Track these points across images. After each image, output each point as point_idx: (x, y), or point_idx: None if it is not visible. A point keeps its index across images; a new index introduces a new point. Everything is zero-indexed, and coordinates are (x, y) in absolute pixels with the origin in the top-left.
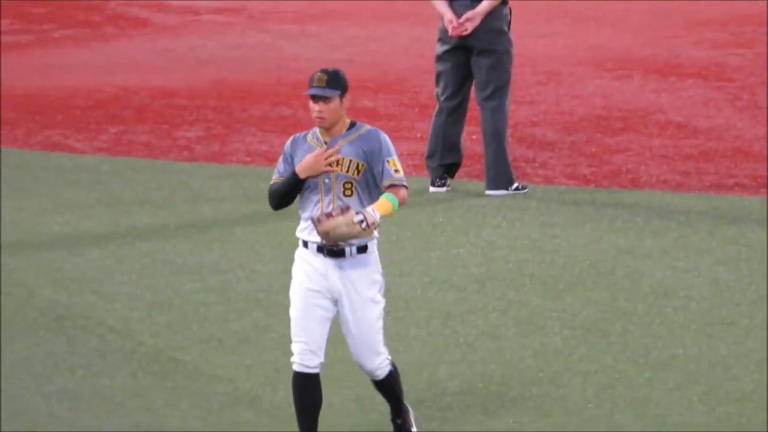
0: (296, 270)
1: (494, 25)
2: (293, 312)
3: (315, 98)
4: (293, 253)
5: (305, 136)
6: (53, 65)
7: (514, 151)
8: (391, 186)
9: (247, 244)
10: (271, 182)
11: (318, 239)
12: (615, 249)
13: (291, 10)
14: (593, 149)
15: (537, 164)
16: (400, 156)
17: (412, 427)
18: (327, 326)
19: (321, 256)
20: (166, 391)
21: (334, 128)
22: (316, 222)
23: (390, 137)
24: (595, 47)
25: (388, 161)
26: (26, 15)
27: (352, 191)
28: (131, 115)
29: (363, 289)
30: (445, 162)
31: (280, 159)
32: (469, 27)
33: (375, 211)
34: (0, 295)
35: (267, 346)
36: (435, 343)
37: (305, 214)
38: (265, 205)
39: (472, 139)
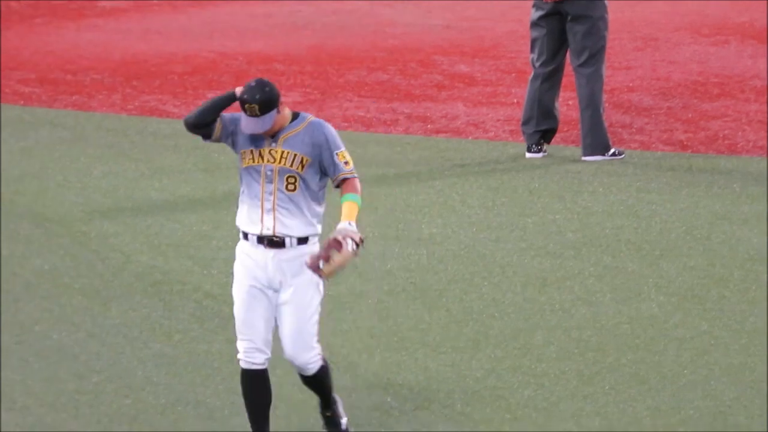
0: (237, 266)
1: None
2: (236, 310)
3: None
4: (389, 218)
5: None
6: (151, 30)
7: (610, 116)
8: (344, 180)
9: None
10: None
11: (256, 230)
12: (711, 215)
13: None
14: (690, 115)
15: (633, 130)
16: (498, 121)
17: (342, 417)
18: (271, 321)
19: (261, 247)
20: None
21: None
22: (316, 272)
23: (486, 103)
24: (692, 13)
25: (336, 154)
26: None
27: (295, 186)
28: (229, 81)
29: (302, 279)
30: (540, 128)
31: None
32: None
33: (351, 223)
34: (97, 260)
35: (363, 312)
36: (531, 309)
37: (245, 204)
38: (363, 170)
39: (568, 104)
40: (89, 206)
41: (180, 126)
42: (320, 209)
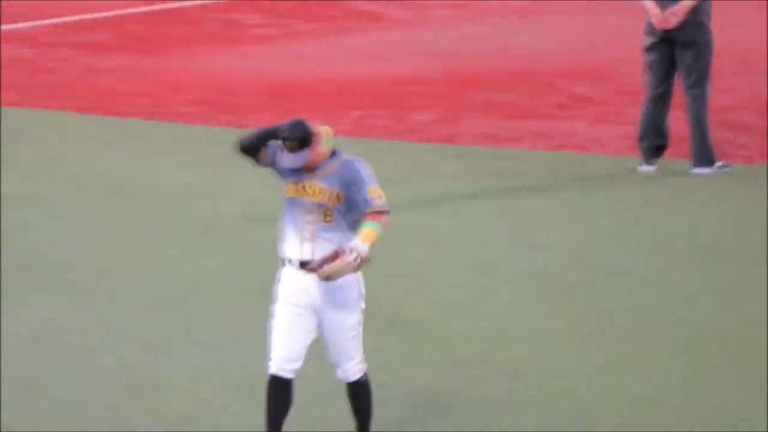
0: (281, 287)
1: (696, 19)
2: (278, 325)
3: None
4: (519, 225)
5: None
6: (299, 55)
7: (715, 133)
8: (374, 213)
9: (475, 218)
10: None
11: (298, 255)
12: None
13: (509, 5)
14: None
15: (737, 145)
16: (614, 138)
17: None
18: (309, 339)
19: (302, 271)
20: (404, 350)
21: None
22: (312, 270)
23: (604, 121)
24: None
25: (367, 190)
26: (275, 11)
27: (331, 217)
28: (371, 101)
29: (340, 297)
30: (653, 144)
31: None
32: (673, 21)
33: (364, 243)
34: (257, 262)
35: (494, 309)
36: (643, 310)
37: (289, 233)
38: (493, 182)
39: (677, 122)
40: (249, 214)
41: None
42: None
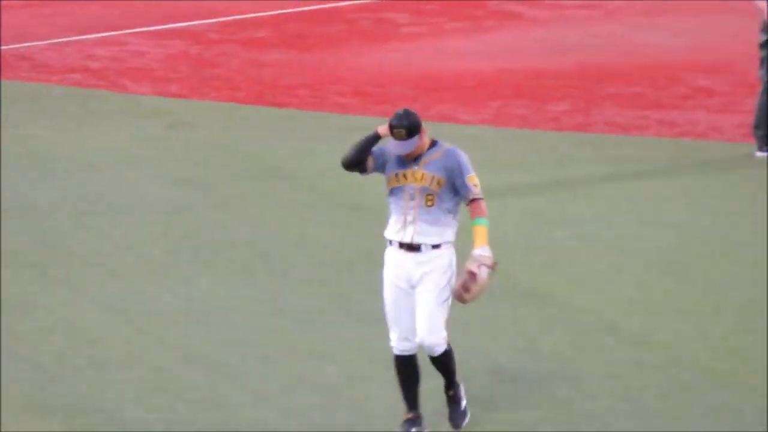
0: (385, 271)
1: None
2: (387, 307)
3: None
4: (646, 206)
5: None
6: (444, 51)
7: None
8: (473, 200)
9: (606, 200)
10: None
11: (399, 238)
12: None
13: (639, 5)
14: None
15: None
16: (733, 126)
17: (462, 399)
18: (415, 314)
19: (402, 251)
20: (540, 320)
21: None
22: (462, 301)
23: (724, 111)
24: None
25: (467, 178)
26: (423, 11)
27: (433, 201)
28: (510, 93)
29: (433, 276)
30: None
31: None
32: None
33: (484, 249)
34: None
35: (622, 283)
36: (762, 282)
37: (392, 216)
38: (621, 167)
39: None
40: None
41: (470, 130)
42: (454, 221)
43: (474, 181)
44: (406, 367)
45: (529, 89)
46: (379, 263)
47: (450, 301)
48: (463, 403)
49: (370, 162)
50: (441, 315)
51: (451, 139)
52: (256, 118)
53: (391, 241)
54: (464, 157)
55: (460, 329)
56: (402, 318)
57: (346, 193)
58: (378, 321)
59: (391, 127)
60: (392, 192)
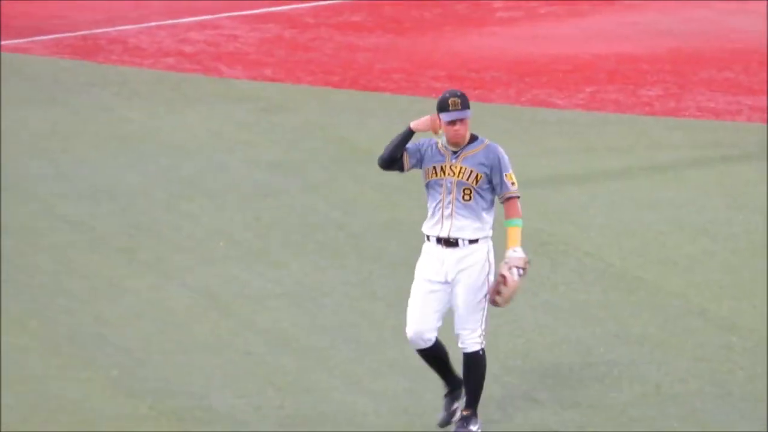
0: (419, 264)
1: None
2: (412, 301)
3: (454, 121)
4: (735, 190)
5: (436, 144)
6: (539, 36)
7: None
8: (509, 199)
9: (696, 184)
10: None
11: (436, 232)
12: None
13: None
14: None
15: None
16: None
17: (476, 424)
18: (441, 313)
19: (440, 246)
20: (630, 304)
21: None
22: (496, 305)
23: None
24: None
25: (506, 175)
26: None
27: (470, 196)
28: (603, 77)
29: (471, 273)
30: None
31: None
32: None
33: (516, 250)
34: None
35: (711, 267)
36: None
37: (430, 210)
38: (714, 152)
39: None
40: None
41: (564, 114)
42: (490, 217)
43: (512, 179)
44: (429, 355)
45: (623, 74)
46: None
47: (487, 302)
48: (475, 428)
49: (406, 159)
50: (478, 312)
51: (547, 126)
52: (349, 102)
53: (428, 237)
54: (504, 154)
55: (550, 313)
56: (426, 315)
57: None
58: None
59: (444, 101)
60: (429, 185)
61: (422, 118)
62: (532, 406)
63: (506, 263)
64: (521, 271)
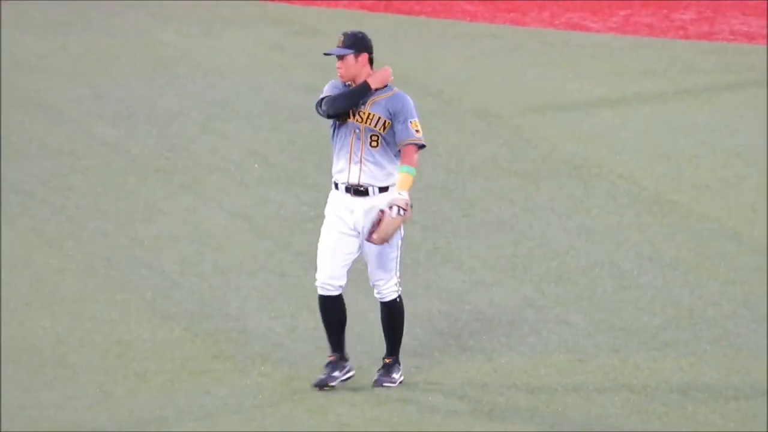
0: (328, 210)
1: None
2: (321, 247)
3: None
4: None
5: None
6: None
7: None
8: (408, 145)
9: (730, 107)
10: (321, 96)
11: (345, 179)
12: None
13: None
14: None
15: None
16: None
17: (395, 380)
18: (350, 260)
19: (349, 195)
20: (663, 227)
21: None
22: (371, 241)
23: None
24: None
25: (410, 122)
26: None
27: (378, 143)
28: (637, 1)
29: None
30: None
31: (324, 89)
32: None
33: (402, 193)
34: (530, 148)
35: (744, 191)
36: None
37: (338, 157)
38: (747, 75)
39: None
40: (523, 103)
41: (597, 38)
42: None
43: (417, 127)
44: (331, 308)
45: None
46: (507, 169)
47: (400, 248)
48: (396, 376)
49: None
50: (392, 261)
51: (581, 49)
52: (383, 26)
53: (336, 184)
54: (410, 102)
55: (584, 236)
56: (336, 263)
57: (472, 99)
58: (503, 227)
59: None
60: (337, 128)
61: (378, 73)
62: (565, 329)
63: (387, 203)
64: (401, 211)
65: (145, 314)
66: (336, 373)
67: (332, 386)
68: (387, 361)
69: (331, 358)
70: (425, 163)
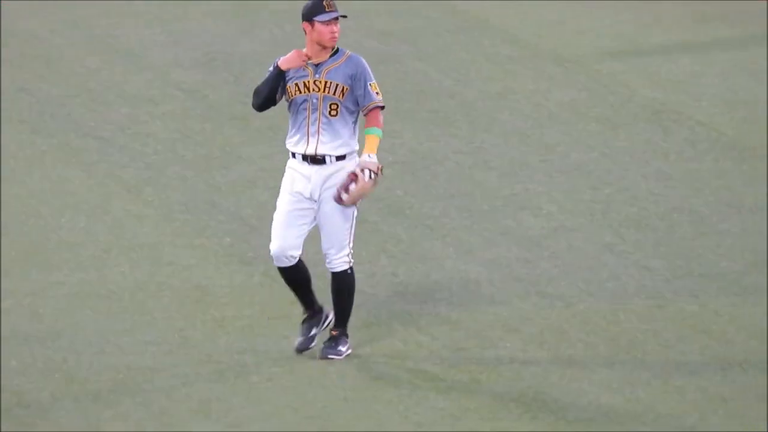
0: (285, 179)
1: None
2: (276, 216)
3: (331, 21)
4: None
5: None
6: None
7: None
8: (373, 109)
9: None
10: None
11: (302, 150)
12: None
13: None
14: None
15: None
16: None
17: (345, 344)
18: (305, 230)
19: (306, 164)
20: (742, 173)
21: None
22: (339, 202)
23: None
24: None
25: (370, 84)
26: None
27: (337, 111)
28: None
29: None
30: None
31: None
32: None
33: (371, 156)
34: (608, 93)
35: None
36: None
37: (294, 127)
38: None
39: None
40: (601, 49)
41: None
42: (355, 132)
43: (376, 89)
44: (291, 276)
45: None
46: (583, 115)
47: (355, 219)
48: (342, 348)
49: (279, 93)
50: (345, 232)
51: None
52: None
53: (293, 154)
54: (366, 65)
55: (662, 181)
56: (290, 233)
57: (549, 45)
58: (581, 172)
59: (319, 4)
60: (293, 103)
61: (289, 55)
62: (644, 275)
63: (359, 165)
64: (373, 175)
65: (223, 259)
66: (314, 330)
67: (311, 348)
68: (334, 333)
69: (306, 315)
70: (504, 110)
